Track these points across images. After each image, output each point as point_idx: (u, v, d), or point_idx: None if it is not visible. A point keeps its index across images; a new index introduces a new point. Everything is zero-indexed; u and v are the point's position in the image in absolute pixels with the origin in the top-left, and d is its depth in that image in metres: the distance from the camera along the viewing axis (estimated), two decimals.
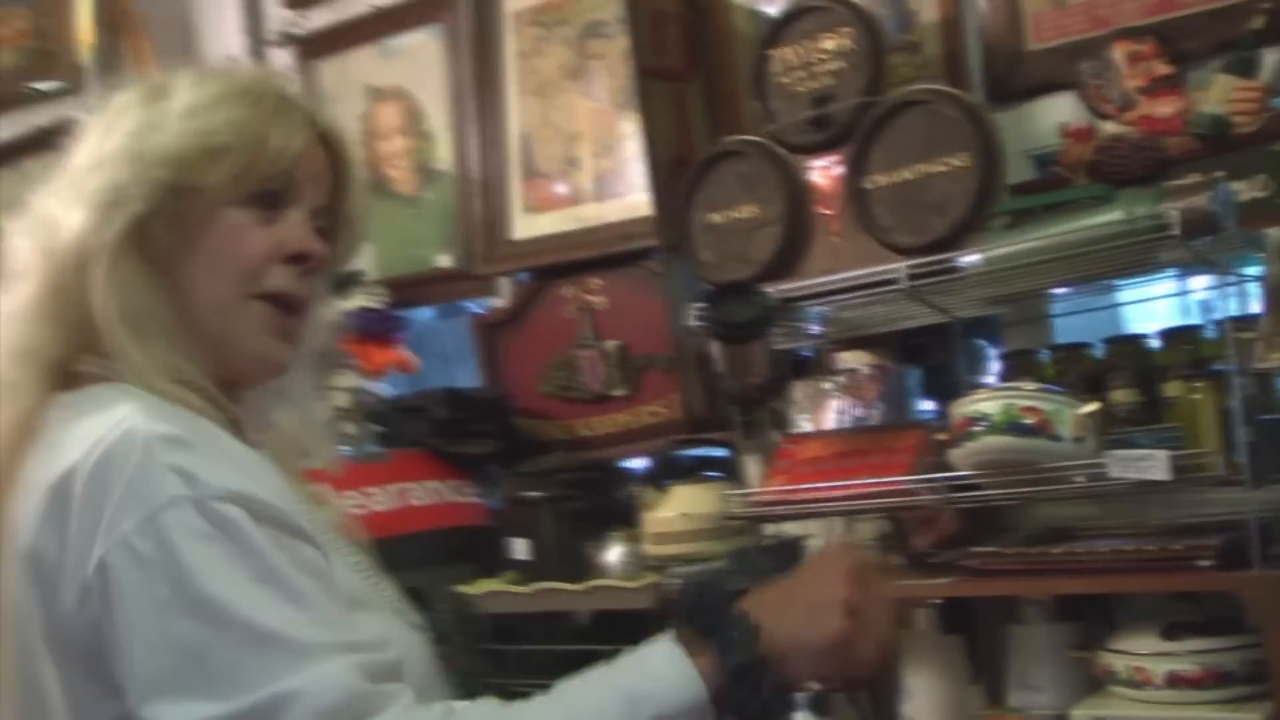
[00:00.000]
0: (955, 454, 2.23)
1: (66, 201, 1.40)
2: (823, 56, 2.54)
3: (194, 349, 1.40)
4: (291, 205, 1.46)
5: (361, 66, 3.68)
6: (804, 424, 2.65)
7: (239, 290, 1.43)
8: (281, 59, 3.85)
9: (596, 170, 3.17)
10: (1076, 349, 2.44)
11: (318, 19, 3.78)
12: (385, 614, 1.46)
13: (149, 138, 1.40)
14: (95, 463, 1.23)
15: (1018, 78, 2.60)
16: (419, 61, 3.57)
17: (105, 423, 1.26)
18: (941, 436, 2.31)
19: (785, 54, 2.59)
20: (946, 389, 2.54)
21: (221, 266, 1.42)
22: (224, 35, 4.01)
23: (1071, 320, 2.56)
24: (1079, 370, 2.39)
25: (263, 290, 1.44)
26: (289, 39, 3.82)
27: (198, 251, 1.41)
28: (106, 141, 1.41)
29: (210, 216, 1.41)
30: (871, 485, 2.38)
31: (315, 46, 3.77)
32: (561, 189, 3.23)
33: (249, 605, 1.20)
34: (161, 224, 1.39)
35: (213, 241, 1.41)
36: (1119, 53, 2.39)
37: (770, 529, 2.69)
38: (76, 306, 1.36)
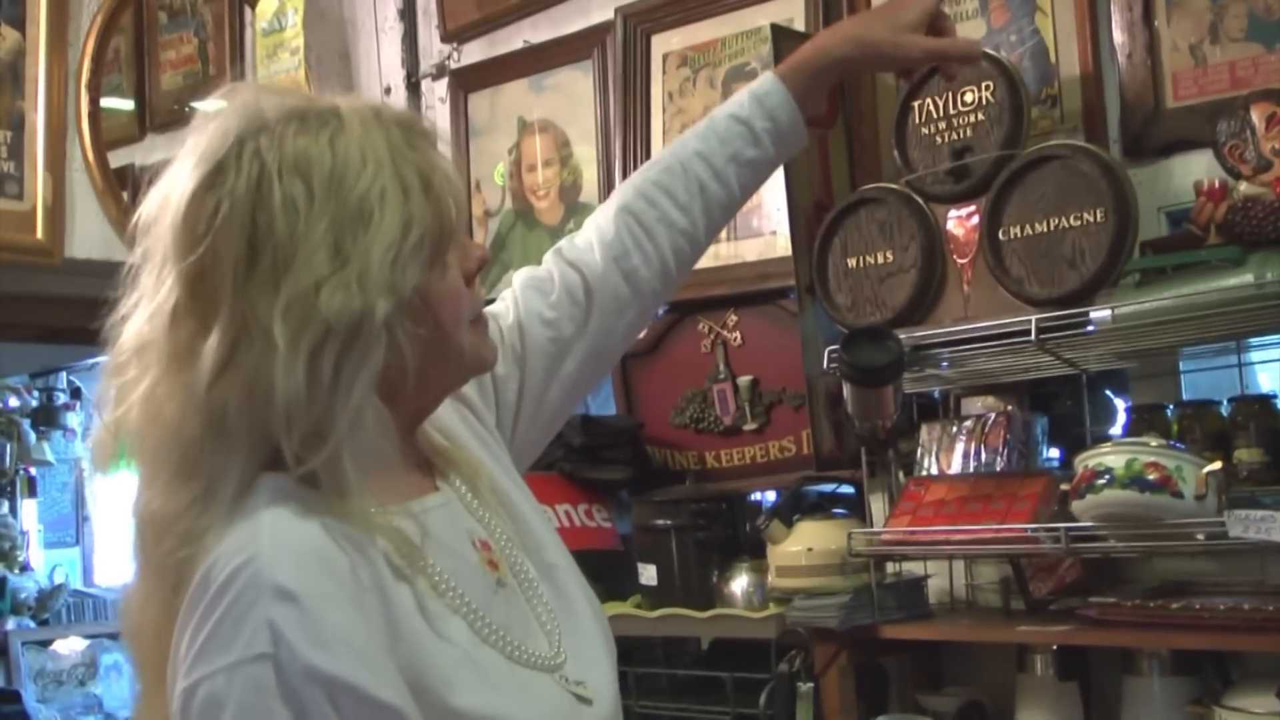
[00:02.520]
0: (1078, 505, 2.27)
1: (277, 328, 1.26)
2: (964, 108, 2.60)
3: (404, 422, 1.40)
4: (455, 237, 1.40)
5: (513, 100, 3.80)
6: (930, 466, 2.70)
7: (463, 334, 1.40)
8: (436, 90, 4.00)
9: None
10: (1203, 406, 2.47)
11: (473, 53, 3.92)
12: (514, 695, 1.36)
13: (369, 253, 1.28)
14: (218, 585, 1.21)
15: (1155, 134, 2.62)
16: (569, 97, 3.68)
17: (243, 539, 1.23)
18: (1066, 486, 2.35)
19: (927, 105, 2.65)
20: (1073, 438, 2.59)
21: (446, 334, 1.37)
22: (382, 66, 4.16)
23: (1200, 377, 2.59)
24: (1205, 427, 2.42)
25: (474, 317, 1.43)
26: (444, 72, 3.96)
27: (419, 340, 1.33)
28: (308, 254, 1.27)
29: (425, 301, 1.34)
30: (994, 530, 2.42)
31: (469, 79, 3.91)
32: None
33: None
34: (394, 343, 1.31)
35: (429, 321, 1.35)
36: (1257, 114, 2.39)
37: (893, 568, 2.75)
38: (299, 450, 1.27)
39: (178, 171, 1.32)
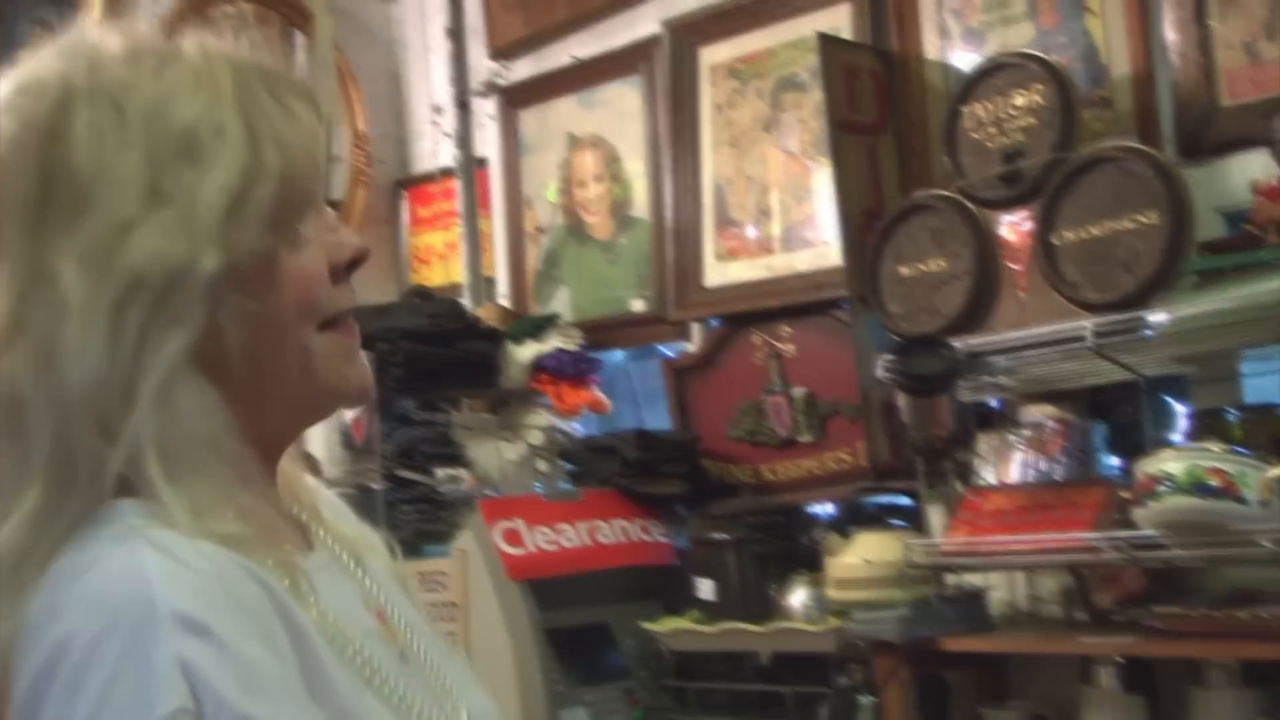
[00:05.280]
0: (1139, 513, 2.23)
1: (74, 292, 0.99)
2: (1014, 112, 2.57)
3: (255, 446, 1.10)
4: (310, 205, 1.11)
5: (562, 116, 3.80)
6: (988, 476, 2.67)
7: (308, 333, 1.09)
8: (485, 108, 4.01)
9: (787, 220, 3.24)
10: (1266, 410, 2.42)
11: (521, 70, 3.92)
12: None
13: (181, 196, 1.02)
14: (91, 637, 0.90)
15: (1210, 134, 2.58)
16: (618, 111, 3.68)
17: (114, 574, 0.94)
18: (1126, 494, 2.31)
19: (977, 109, 2.62)
20: (1132, 446, 2.54)
21: (285, 322, 1.08)
22: (431, 85, 4.18)
23: (1261, 380, 2.54)
24: (1267, 431, 2.37)
25: (328, 318, 1.11)
26: (493, 89, 3.97)
27: (247, 319, 1.05)
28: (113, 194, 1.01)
29: (263, 273, 1.06)
30: (1054, 540, 2.39)
31: (518, 96, 3.92)
32: (753, 237, 3.30)
33: None
34: (220, 311, 1.04)
35: (265, 298, 1.06)
36: None
37: (952, 579, 2.72)
38: (96, 446, 0.99)
39: None
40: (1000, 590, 2.74)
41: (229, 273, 1.02)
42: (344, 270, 1.13)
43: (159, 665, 0.88)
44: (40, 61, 1.06)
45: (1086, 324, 2.35)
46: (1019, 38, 2.81)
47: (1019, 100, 2.56)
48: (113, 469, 0.98)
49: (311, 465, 4.14)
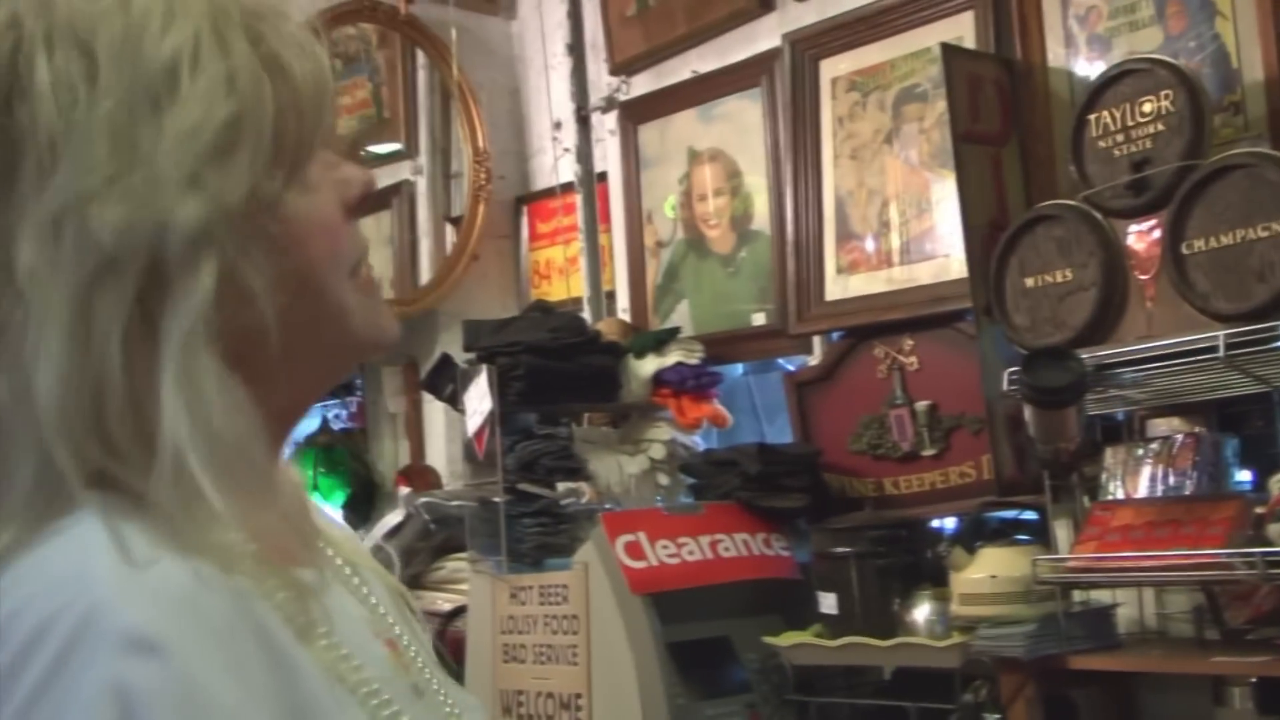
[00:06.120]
0: (1274, 528, 2.18)
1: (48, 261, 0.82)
2: (1142, 119, 2.52)
3: (270, 422, 0.91)
4: (320, 144, 0.95)
5: (682, 130, 3.81)
6: (1116, 490, 2.62)
7: (343, 285, 0.95)
8: (606, 123, 4.03)
9: (907, 232, 3.21)
10: None
11: (641, 85, 3.94)
12: None
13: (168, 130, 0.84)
14: (23, 638, 0.76)
15: None
16: (738, 125, 3.67)
17: (62, 569, 0.79)
18: (1260, 509, 2.26)
19: (1104, 117, 2.58)
20: (1266, 460, 2.49)
21: (317, 277, 0.93)
22: (551, 101, 4.21)
23: None
24: None
25: (354, 265, 0.97)
26: (613, 104, 3.99)
27: (280, 277, 0.89)
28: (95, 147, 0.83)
29: (279, 225, 0.90)
30: (1185, 557, 2.33)
31: (638, 111, 3.93)
32: (874, 250, 3.28)
33: None
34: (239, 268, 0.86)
35: (290, 251, 0.90)
36: None
37: (1079, 596, 2.67)
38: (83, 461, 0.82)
39: None
40: (1128, 607, 2.69)
41: (231, 226, 0.85)
42: (354, 209, 0.98)
43: (87, 686, 0.74)
44: None
45: (1219, 335, 2.30)
46: (1146, 43, 2.76)
47: (1147, 107, 2.52)
48: (135, 483, 0.81)
49: (431, 478, 4.23)
